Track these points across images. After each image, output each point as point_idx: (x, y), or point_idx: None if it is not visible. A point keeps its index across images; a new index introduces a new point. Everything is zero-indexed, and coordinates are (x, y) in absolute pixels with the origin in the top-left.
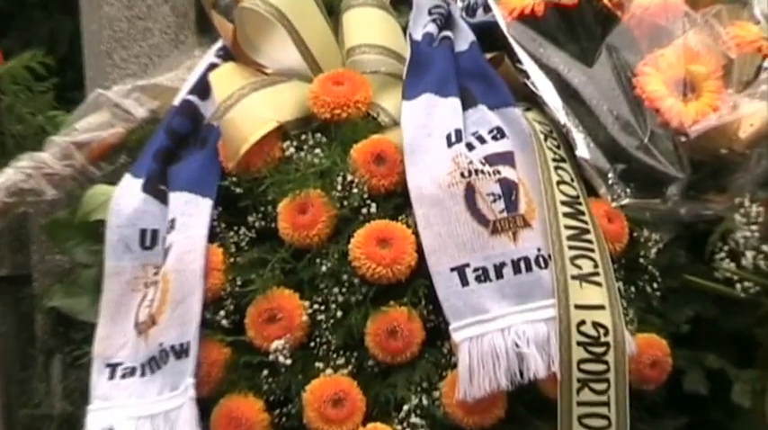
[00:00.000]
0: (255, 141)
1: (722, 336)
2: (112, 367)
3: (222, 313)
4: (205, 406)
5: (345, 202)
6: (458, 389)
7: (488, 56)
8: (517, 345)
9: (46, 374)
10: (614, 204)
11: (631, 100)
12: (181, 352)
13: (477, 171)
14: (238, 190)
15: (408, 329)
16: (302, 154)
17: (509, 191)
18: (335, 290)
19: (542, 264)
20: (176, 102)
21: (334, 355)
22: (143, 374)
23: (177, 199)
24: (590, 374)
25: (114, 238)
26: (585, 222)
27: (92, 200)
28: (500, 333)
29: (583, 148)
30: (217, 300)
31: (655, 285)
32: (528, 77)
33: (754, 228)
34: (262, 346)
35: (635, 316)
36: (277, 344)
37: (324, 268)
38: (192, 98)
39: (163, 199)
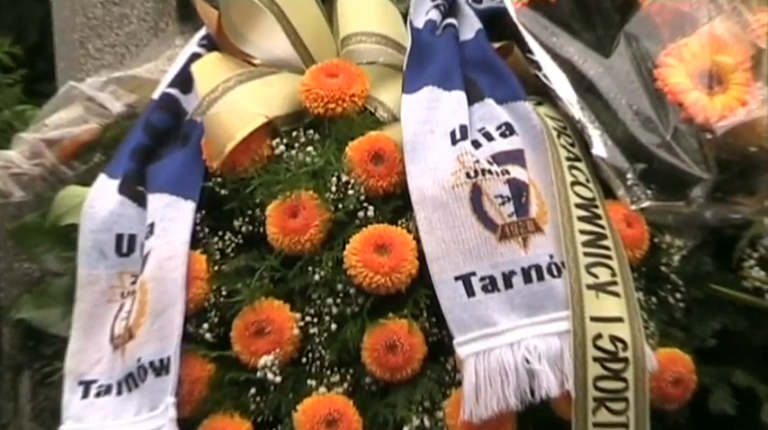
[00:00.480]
0: (242, 138)
1: (751, 351)
2: (86, 385)
3: (206, 326)
4: (187, 427)
5: (340, 205)
6: (463, 408)
7: (496, 45)
8: (528, 361)
9: (14, 392)
10: (634, 207)
11: (652, 93)
12: (161, 368)
13: (483, 171)
14: (223, 191)
15: (409, 344)
16: (293, 152)
17: (519, 192)
18: (329, 300)
19: (555, 273)
20: (156, 95)
21: (328, 372)
22: (119, 393)
23: (157, 201)
24: (607, 393)
25: (88, 244)
26: (602, 227)
27: (63, 202)
28: (509, 348)
29: (599, 146)
30: (200, 311)
31: (678, 296)
32: (539, 69)
33: None
34: (249, 362)
35: (656, 329)
36: (265, 359)
37: (317, 277)
38: (173, 91)
39: (141, 201)
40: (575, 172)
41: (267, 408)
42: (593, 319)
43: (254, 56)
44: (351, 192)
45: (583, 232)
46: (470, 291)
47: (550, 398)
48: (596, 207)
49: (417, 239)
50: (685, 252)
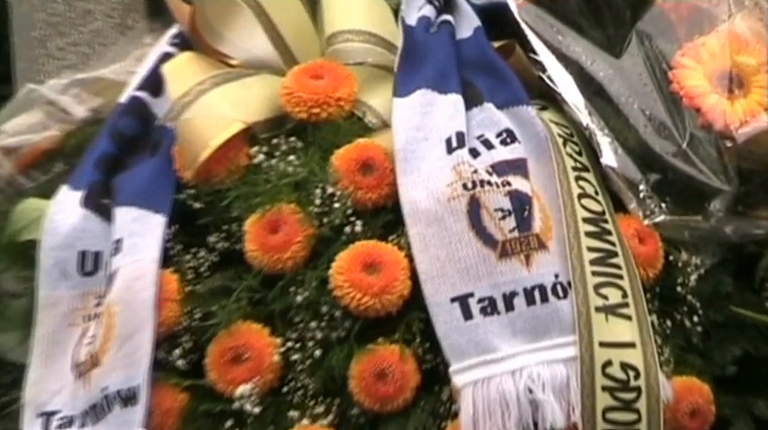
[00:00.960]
0: (218, 146)
1: None
2: (47, 416)
3: (178, 352)
4: None
5: (325, 219)
6: None
7: (496, 44)
8: (530, 391)
9: None
10: (647, 222)
11: (667, 97)
12: (128, 398)
13: (482, 182)
14: (197, 204)
15: (400, 372)
16: (273, 161)
17: (521, 206)
18: (313, 324)
19: (561, 294)
20: (123, 99)
21: (312, 403)
22: (83, 425)
23: (124, 215)
24: (617, 425)
25: (48, 263)
26: (612, 243)
27: (22, 216)
28: (510, 376)
29: (609, 155)
30: (171, 336)
31: (695, 319)
32: (544, 70)
33: None
34: (225, 392)
35: (672, 355)
36: (243, 389)
37: (299, 298)
38: (142, 95)
39: (106, 215)
40: (582, 183)
41: None
42: (603, 345)
43: (230, 56)
44: (337, 205)
45: (591, 249)
46: (468, 314)
47: None
48: (606, 222)
49: (410, 257)
50: (703, 271)
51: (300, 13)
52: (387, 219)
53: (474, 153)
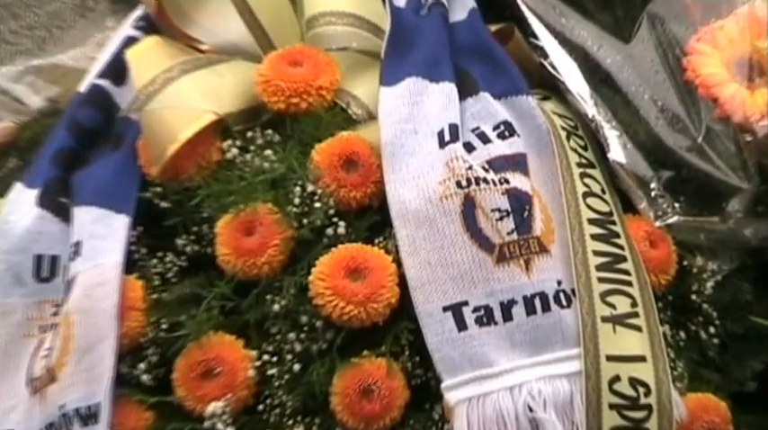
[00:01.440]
0: (187, 140)
1: None
2: None
3: (142, 366)
4: None
5: (305, 220)
6: None
7: (493, 28)
8: (531, 409)
9: None
10: (658, 224)
11: (681, 86)
12: (88, 417)
13: (478, 179)
14: (164, 204)
15: (387, 388)
16: (248, 156)
17: (520, 205)
18: (292, 335)
19: (564, 303)
20: (83, 88)
21: (290, 422)
22: None
23: (83, 215)
24: None
25: (1, 268)
26: (621, 247)
27: None
28: (508, 392)
29: (617, 150)
30: (135, 348)
31: (711, 330)
32: (545, 56)
33: None
34: (195, 410)
35: (686, 370)
36: (215, 407)
37: (276, 307)
38: (104, 83)
39: (65, 215)
40: (588, 181)
41: None
42: (610, 358)
43: (201, 40)
44: (318, 204)
45: (597, 253)
46: (462, 325)
47: None
48: (613, 223)
49: (398, 262)
50: (720, 277)
51: None
52: (373, 220)
53: (469, 147)
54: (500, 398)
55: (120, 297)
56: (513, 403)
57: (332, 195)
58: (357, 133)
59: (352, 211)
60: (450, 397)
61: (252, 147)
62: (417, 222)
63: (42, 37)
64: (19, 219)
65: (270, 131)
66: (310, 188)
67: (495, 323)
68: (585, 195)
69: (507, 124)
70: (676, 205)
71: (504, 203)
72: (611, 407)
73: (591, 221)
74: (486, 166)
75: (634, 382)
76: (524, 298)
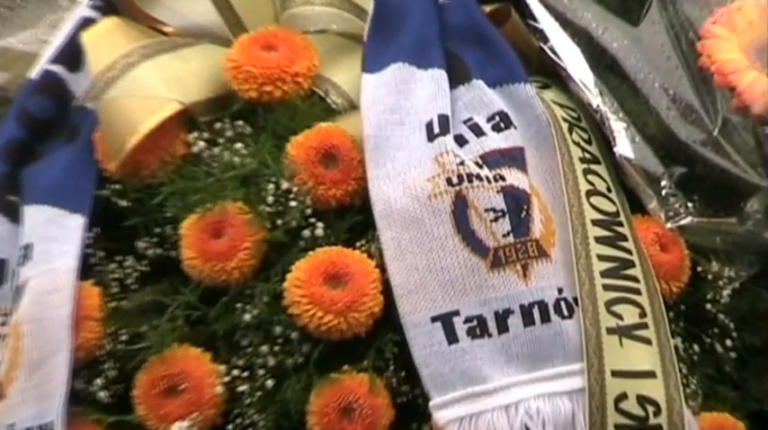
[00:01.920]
0: (148, 132)
1: None
2: None
3: (100, 381)
4: None
5: (279, 221)
6: None
7: (488, 9)
8: (528, 429)
9: None
10: (670, 225)
11: (695, 73)
12: None
13: (470, 176)
14: (123, 202)
15: (370, 406)
16: (216, 150)
17: (517, 205)
18: (264, 348)
19: (565, 312)
20: (34, 74)
21: None
22: None
23: (35, 215)
24: None
25: None
26: (628, 251)
27: None
28: (503, 411)
29: (624, 144)
30: (92, 362)
31: (728, 343)
32: (545, 40)
33: None
34: (157, 429)
35: (700, 387)
36: (179, 427)
37: (247, 316)
38: (57, 69)
39: (13, 215)
40: (592, 178)
41: None
42: (616, 374)
43: (164, 21)
44: (293, 203)
45: (602, 258)
46: (452, 337)
47: None
48: (620, 224)
49: (382, 267)
50: (738, 285)
51: None
52: (354, 220)
53: (460, 141)
54: (494, 418)
55: (75, 305)
56: (508, 423)
57: (309, 193)
58: (337, 125)
59: (332, 211)
60: (440, 416)
61: (220, 140)
62: (403, 223)
63: None
64: None
65: (240, 123)
66: (285, 185)
67: (490, 335)
68: (589, 194)
69: (503, 115)
70: (689, 205)
71: (500, 202)
72: (617, 427)
73: (595, 222)
74: (480, 162)
75: (642, 401)
76: (521, 307)
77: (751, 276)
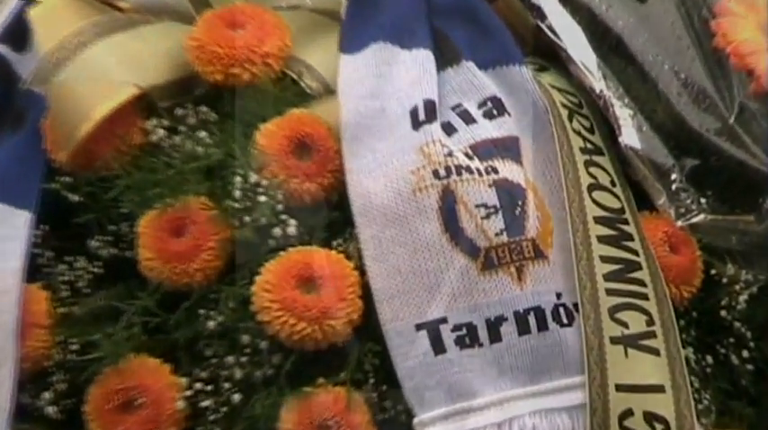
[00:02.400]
0: (102, 118)
1: None
2: None
3: (48, 395)
4: None
5: (247, 218)
6: None
7: None
8: None
9: None
10: (681, 223)
11: (709, 55)
12: None
13: (459, 168)
14: (75, 197)
15: (348, 424)
16: (178, 139)
17: (511, 200)
18: (230, 359)
19: (564, 320)
20: None
21: None
22: None
23: None
24: None
25: None
26: (635, 252)
27: None
28: (496, 429)
29: (631, 133)
30: (39, 374)
31: (745, 354)
32: (543, 18)
33: None
34: None
35: (713, 402)
36: None
37: (211, 324)
38: (1, 49)
39: None
40: (594, 170)
41: None
42: (620, 388)
43: None
44: (263, 198)
45: (605, 259)
46: (439, 347)
47: None
48: (626, 222)
49: (361, 269)
50: (756, 289)
51: None
52: (330, 217)
53: (448, 129)
54: None
55: (21, 311)
56: None
57: (280, 187)
58: (311, 111)
59: (305, 207)
60: None
61: (182, 128)
62: (385, 220)
63: None
64: None
65: (204, 108)
66: (254, 178)
67: (480, 344)
68: (591, 188)
69: (496, 100)
70: (702, 201)
71: (492, 198)
72: None
73: (598, 220)
74: (470, 152)
75: (650, 418)
76: (516, 314)
77: None
